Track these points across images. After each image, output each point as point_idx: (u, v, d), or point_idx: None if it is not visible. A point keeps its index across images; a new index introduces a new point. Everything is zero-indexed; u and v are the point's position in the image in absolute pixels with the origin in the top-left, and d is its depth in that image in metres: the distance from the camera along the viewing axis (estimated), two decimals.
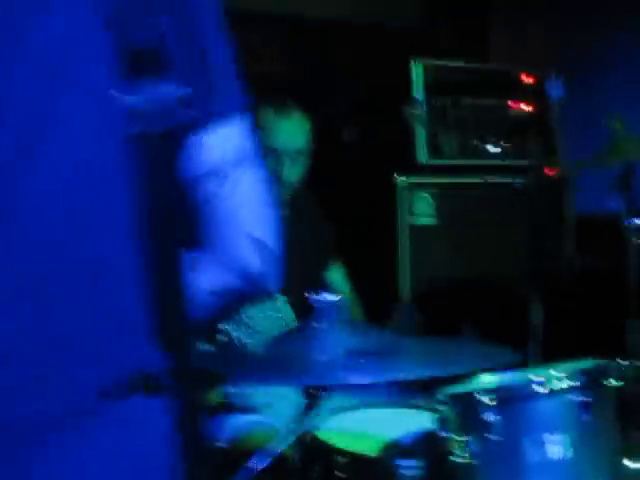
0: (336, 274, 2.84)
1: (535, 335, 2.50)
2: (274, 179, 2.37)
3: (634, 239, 2.04)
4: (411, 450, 1.94)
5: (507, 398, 1.71)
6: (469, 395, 1.73)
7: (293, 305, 2.59)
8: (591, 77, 3.42)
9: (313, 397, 1.55)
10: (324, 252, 2.79)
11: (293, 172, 2.42)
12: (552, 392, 1.71)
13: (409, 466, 1.85)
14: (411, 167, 2.93)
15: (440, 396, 1.82)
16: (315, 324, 1.52)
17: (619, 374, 1.87)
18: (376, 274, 2.91)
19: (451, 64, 3.07)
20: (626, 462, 1.82)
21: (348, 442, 1.94)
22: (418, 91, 2.95)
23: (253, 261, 1.13)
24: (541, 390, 1.70)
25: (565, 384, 1.72)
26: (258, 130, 2.42)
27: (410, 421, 1.87)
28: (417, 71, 2.95)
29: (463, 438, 1.75)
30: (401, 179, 2.87)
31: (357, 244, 2.99)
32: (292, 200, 2.62)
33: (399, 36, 3.51)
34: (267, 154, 2.32)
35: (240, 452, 2.21)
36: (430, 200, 2.92)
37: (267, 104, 2.44)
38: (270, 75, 3.41)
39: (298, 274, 2.62)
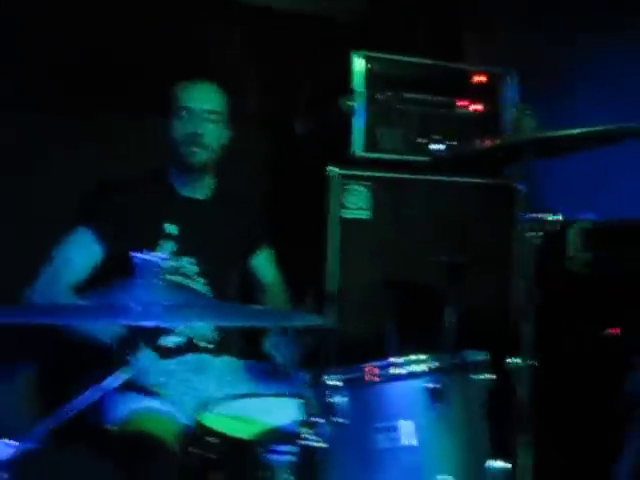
0: (262, 258, 2.86)
1: (447, 335, 2.46)
2: (193, 140, 2.59)
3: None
4: (285, 436, 1.93)
5: (357, 380, 1.70)
6: (322, 376, 1.71)
7: (211, 282, 2.61)
8: (556, 81, 3.39)
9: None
10: (250, 235, 2.81)
11: (210, 133, 2.63)
12: (406, 376, 1.70)
13: (282, 451, 1.84)
14: (347, 160, 2.90)
15: (305, 380, 1.81)
16: (137, 280, 1.58)
17: (487, 368, 1.84)
18: (304, 264, 2.90)
19: (397, 58, 3.01)
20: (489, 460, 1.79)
21: (226, 426, 1.95)
22: (358, 83, 2.91)
23: None
24: (396, 372, 1.69)
25: (420, 368, 1.70)
26: (175, 96, 2.56)
27: (293, 410, 1.86)
28: (358, 63, 2.92)
29: (317, 421, 1.74)
30: (332, 170, 2.84)
31: (288, 233, 2.99)
32: (220, 179, 2.69)
33: (348, 29, 3.52)
34: (183, 114, 2.61)
35: (129, 435, 2.23)
36: (365, 193, 2.89)
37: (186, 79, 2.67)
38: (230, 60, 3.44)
39: (220, 253, 2.66)
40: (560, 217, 1.93)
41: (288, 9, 3.51)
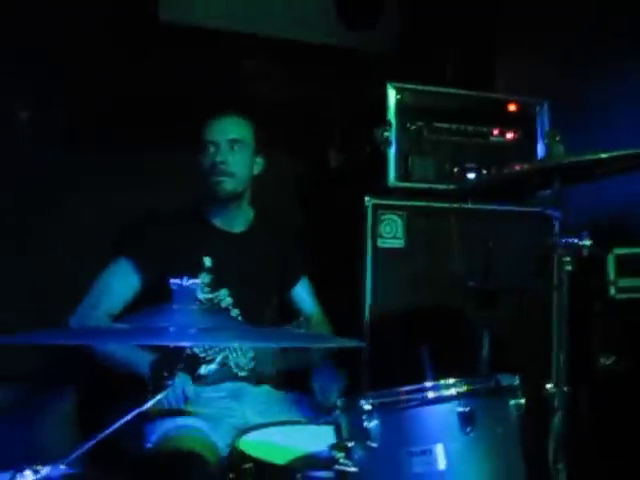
0: (301, 289, 2.91)
1: (481, 360, 2.47)
2: (218, 169, 2.66)
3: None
4: (320, 462, 1.95)
5: (389, 404, 1.71)
6: (356, 401, 1.73)
7: (246, 313, 2.66)
8: (591, 112, 3.40)
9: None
10: (288, 267, 2.85)
11: (235, 161, 2.69)
12: (438, 400, 1.70)
13: (317, 477, 1.86)
14: (382, 190, 2.94)
15: (338, 404, 1.82)
16: (174, 305, 1.63)
17: (520, 393, 1.84)
18: (342, 293, 2.93)
19: (427, 88, 3.06)
20: None
21: (262, 452, 1.98)
22: (391, 114, 2.96)
23: None
24: (429, 396, 1.70)
25: (453, 392, 1.71)
26: (203, 132, 2.62)
27: (328, 436, 1.88)
28: (391, 94, 2.97)
29: (349, 445, 1.75)
30: (368, 200, 2.89)
31: (324, 263, 3.02)
32: (261, 213, 2.74)
33: (380, 61, 3.57)
34: (208, 148, 2.69)
35: (166, 452, 2.27)
36: (399, 223, 2.92)
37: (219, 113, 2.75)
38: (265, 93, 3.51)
39: (255, 285, 2.71)
40: (589, 242, 1.94)
41: (321, 43, 3.58)
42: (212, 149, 2.67)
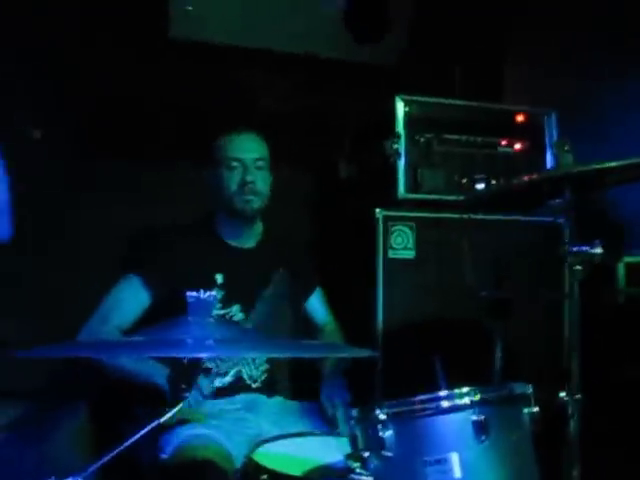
0: (315, 300, 2.93)
1: (495, 369, 2.49)
2: (248, 189, 2.70)
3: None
4: (335, 473, 1.96)
5: (404, 414, 1.72)
6: (371, 411, 1.74)
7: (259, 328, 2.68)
8: (600, 121, 3.41)
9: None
10: (300, 279, 2.87)
11: (260, 180, 2.74)
12: (452, 409, 1.71)
13: None
14: (392, 201, 2.97)
15: (353, 414, 1.83)
16: (189, 318, 1.65)
17: (534, 401, 1.85)
18: (354, 304, 2.95)
19: (435, 100, 3.09)
20: None
21: (278, 464, 1.99)
22: (400, 126, 2.98)
23: None
24: (443, 405, 1.70)
25: (466, 401, 1.72)
26: (223, 148, 2.65)
27: (343, 447, 1.89)
28: (400, 106, 2.99)
29: (364, 455, 1.76)
30: (378, 212, 2.91)
31: (335, 274, 3.04)
32: (268, 224, 2.77)
33: (388, 73, 3.60)
34: (234, 165, 2.71)
35: (181, 462, 2.28)
36: (410, 234, 2.94)
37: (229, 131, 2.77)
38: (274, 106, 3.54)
39: (267, 299, 2.73)
40: (600, 250, 1.95)
41: (331, 56, 3.61)
42: (238, 167, 2.70)
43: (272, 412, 2.61)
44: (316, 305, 2.95)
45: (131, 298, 2.61)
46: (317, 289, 2.96)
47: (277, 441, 2.19)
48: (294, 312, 2.89)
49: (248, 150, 2.72)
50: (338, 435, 2.25)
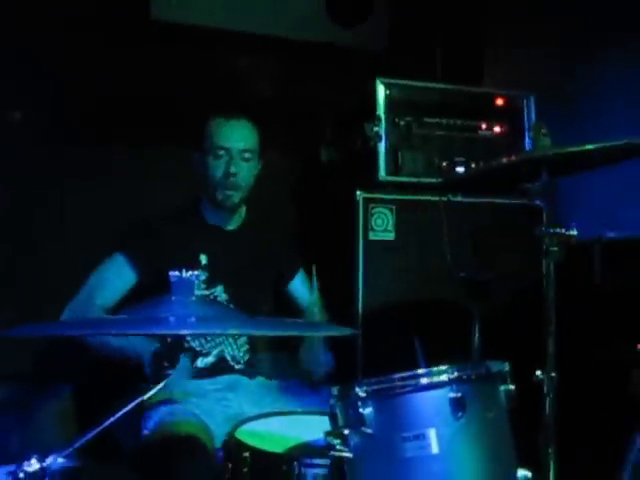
0: (298, 282, 2.95)
1: (474, 350, 2.53)
2: (229, 182, 2.68)
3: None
4: (316, 450, 2.00)
5: (383, 391, 1.75)
6: (350, 389, 1.77)
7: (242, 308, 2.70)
8: (578, 104, 3.44)
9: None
10: (282, 261, 2.90)
11: (244, 171, 2.71)
12: (430, 386, 1.74)
13: (313, 464, 1.91)
14: (373, 184, 2.99)
15: (332, 392, 1.86)
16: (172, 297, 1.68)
17: (510, 379, 1.88)
18: (336, 285, 2.98)
19: (416, 84, 3.11)
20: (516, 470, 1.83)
21: (259, 442, 2.03)
22: (380, 109, 3.00)
23: None
24: (421, 382, 1.74)
25: (444, 378, 1.75)
26: (212, 134, 2.63)
27: (324, 425, 1.92)
28: (380, 90, 3.01)
29: (345, 432, 1.79)
30: (359, 194, 2.94)
31: (317, 256, 3.06)
32: (250, 207, 2.79)
33: (369, 57, 3.61)
34: (220, 154, 2.68)
35: (163, 437, 2.31)
36: (390, 216, 2.96)
37: (218, 113, 2.73)
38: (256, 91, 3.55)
39: (250, 280, 2.75)
40: (576, 232, 1.99)
41: (311, 40, 3.62)
42: (224, 156, 2.67)
43: (253, 392, 2.64)
44: (299, 287, 2.98)
45: (116, 277, 2.62)
46: (300, 271, 2.98)
47: (259, 419, 2.22)
48: (277, 293, 2.92)
49: (236, 139, 2.69)
50: (317, 413, 2.27)
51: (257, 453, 1.98)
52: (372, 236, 2.95)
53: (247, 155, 2.70)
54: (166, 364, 1.79)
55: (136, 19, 3.28)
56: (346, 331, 1.94)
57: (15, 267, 3.05)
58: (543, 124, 2.13)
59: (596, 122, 3.33)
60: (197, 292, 2.53)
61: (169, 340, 1.78)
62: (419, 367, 1.88)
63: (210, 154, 2.68)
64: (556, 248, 2.05)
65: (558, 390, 2.06)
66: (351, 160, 3.19)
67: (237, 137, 2.69)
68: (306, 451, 2.03)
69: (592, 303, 2.90)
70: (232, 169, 2.66)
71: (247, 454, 1.98)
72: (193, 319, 1.56)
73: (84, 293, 2.59)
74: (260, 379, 2.75)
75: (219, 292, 2.69)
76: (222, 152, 2.67)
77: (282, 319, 2.16)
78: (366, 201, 2.95)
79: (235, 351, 2.71)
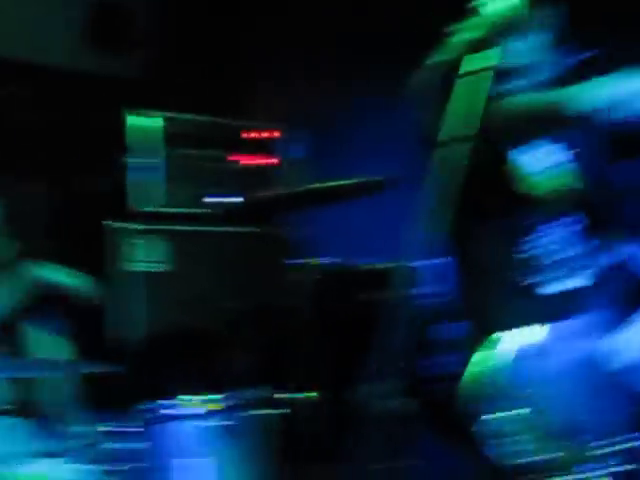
0: None
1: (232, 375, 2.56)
2: None
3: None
4: None
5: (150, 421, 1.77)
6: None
7: None
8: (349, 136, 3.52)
9: None
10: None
11: None
12: (189, 416, 1.78)
13: None
14: (127, 214, 2.97)
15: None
16: None
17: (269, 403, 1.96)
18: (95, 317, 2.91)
19: (173, 115, 3.11)
20: None
21: None
22: (132, 140, 2.99)
23: None
24: (178, 412, 1.77)
25: (210, 407, 1.80)
26: None
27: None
28: (134, 120, 3.01)
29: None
30: (110, 224, 2.92)
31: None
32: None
33: (127, 87, 3.57)
34: None
35: None
36: (148, 246, 2.94)
37: None
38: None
39: None
40: (318, 262, 2.09)
41: (66, 67, 3.52)
42: None
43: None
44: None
45: None
46: None
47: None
48: None
49: None
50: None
51: None
52: (128, 266, 2.91)
53: None
54: None
55: None
56: (100, 368, 1.92)
57: None
58: (300, 159, 2.22)
59: (355, 155, 3.40)
60: None
61: None
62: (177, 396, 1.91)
63: None
64: (307, 276, 2.15)
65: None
66: (103, 191, 3.15)
67: None
68: None
69: (348, 325, 3.01)
70: None
71: None
72: None
73: None
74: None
75: None
76: None
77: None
78: (118, 231, 2.92)
79: None
